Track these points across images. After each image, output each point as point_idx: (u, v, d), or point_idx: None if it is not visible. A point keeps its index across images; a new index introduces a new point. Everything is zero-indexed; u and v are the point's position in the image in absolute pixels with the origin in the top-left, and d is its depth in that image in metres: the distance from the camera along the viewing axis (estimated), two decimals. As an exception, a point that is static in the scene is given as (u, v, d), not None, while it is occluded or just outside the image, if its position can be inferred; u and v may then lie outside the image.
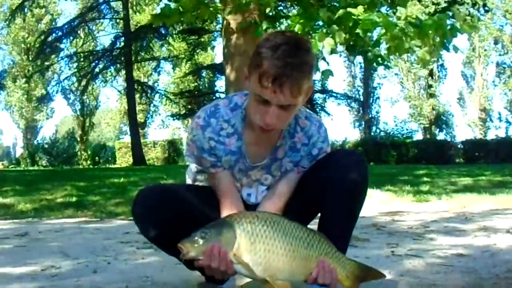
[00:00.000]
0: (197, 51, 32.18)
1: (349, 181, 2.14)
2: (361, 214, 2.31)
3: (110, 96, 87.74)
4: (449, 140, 36.72)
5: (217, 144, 2.18)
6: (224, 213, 2.17)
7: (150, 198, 2.18)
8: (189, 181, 2.48)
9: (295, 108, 2.03)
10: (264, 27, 8.59)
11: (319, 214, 2.30)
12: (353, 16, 7.63)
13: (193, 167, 2.42)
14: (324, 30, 7.85)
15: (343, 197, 2.15)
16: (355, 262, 2.08)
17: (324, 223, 2.21)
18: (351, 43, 9.03)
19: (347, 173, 2.14)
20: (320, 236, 1.99)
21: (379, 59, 9.54)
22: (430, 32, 7.83)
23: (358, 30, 7.76)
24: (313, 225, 2.22)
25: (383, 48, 9.42)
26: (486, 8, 12.63)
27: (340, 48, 9.49)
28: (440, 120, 41.82)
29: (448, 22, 8.05)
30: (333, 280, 1.96)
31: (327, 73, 8.15)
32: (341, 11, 7.67)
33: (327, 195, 2.17)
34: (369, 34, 8.91)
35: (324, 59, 8.75)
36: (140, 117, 35.90)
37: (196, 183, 2.43)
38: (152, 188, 2.33)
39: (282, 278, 1.89)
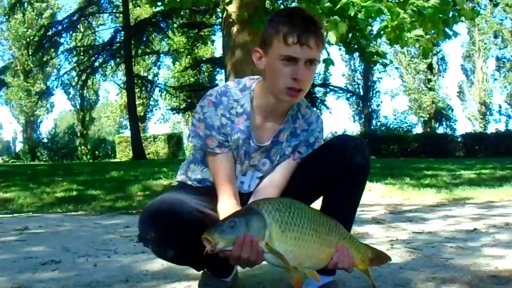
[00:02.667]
0: (197, 45, 32.14)
1: (354, 164, 2.18)
2: (361, 207, 2.33)
3: (110, 90, 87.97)
4: (449, 133, 36.72)
5: (228, 122, 2.19)
6: (224, 200, 2.16)
7: (161, 221, 2.05)
8: (180, 175, 2.45)
9: (315, 68, 2.13)
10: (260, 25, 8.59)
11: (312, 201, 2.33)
12: (354, 6, 7.60)
13: (190, 153, 2.41)
14: (325, 22, 7.80)
15: (349, 179, 2.20)
16: (368, 246, 2.12)
17: (329, 205, 2.25)
18: (348, 39, 9.01)
19: (351, 156, 2.18)
20: (335, 221, 2.01)
21: (376, 56, 9.54)
22: (435, 18, 7.80)
23: (360, 17, 7.71)
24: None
25: (383, 40, 9.41)
26: (494, 2, 12.60)
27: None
28: (439, 113, 41.80)
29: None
30: (350, 264, 2.00)
31: (328, 62, 8.17)
32: (343, 1, 7.65)
33: (332, 178, 2.20)
34: (368, 28, 8.89)
35: (325, 48, 8.75)
36: (139, 111, 35.86)
37: (188, 174, 2.39)
38: (159, 209, 2.11)
39: (309, 265, 1.89)
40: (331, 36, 7.53)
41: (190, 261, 2.27)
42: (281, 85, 2.08)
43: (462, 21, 8.25)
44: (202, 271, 2.42)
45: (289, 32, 2.02)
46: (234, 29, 9.17)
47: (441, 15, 7.78)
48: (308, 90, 2.19)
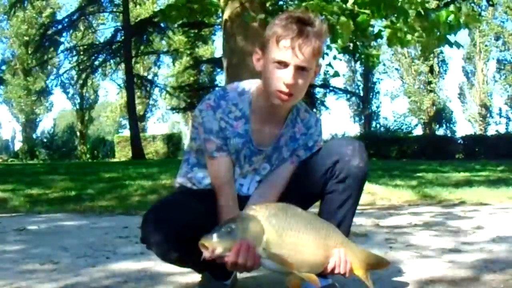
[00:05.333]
0: (197, 44, 32.15)
1: (352, 168, 2.20)
2: (360, 209, 2.34)
3: (109, 90, 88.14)
4: (449, 135, 36.76)
5: (227, 125, 2.18)
6: (222, 203, 2.16)
7: (162, 225, 2.07)
8: (181, 178, 2.43)
9: (309, 75, 2.10)
10: (262, 17, 8.61)
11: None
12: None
13: (192, 157, 2.38)
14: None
15: (347, 182, 2.21)
16: (365, 251, 2.11)
17: (328, 208, 2.26)
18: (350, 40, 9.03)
19: (349, 161, 2.20)
20: (333, 226, 2.01)
21: (371, 58, 9.59)
22: (444, 23, 7.79)
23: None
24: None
25: (384, 40, 9.42)
26: (490, 2, 12.59)
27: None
28: (440, 115, 41.85)
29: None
30: (347, 269, 1.98)
31: (335, 74, 8.36)
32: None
33: (330, 182, 2.22)
34: (370, 28, 8.88)
35: (329, 64, 8.88)
36: (139, 110, 35.87)
37: (189, 175, 2.38)
38: (161, 212, 2.13)
39: (306, 270, 1.88)
40: (344, 36, 7.55)
41: (193, 264, 2.28)
42: (272, 88, 2.09)
43: (468, 28, 8.24)
44: (202, 273, 2.42)
45: (283, 35, 2.02)
46: (234, 30, 9.18)
47: (450, 21, 7.77)
48: (303, 95, 2.18)
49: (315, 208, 2.32)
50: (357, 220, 2.34)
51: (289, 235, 1.84)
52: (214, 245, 1.78)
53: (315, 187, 2.26)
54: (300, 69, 2.04)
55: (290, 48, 2.00)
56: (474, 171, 11.92)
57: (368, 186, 7.48)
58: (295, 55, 2.01)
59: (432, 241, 3.78)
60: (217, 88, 2.37)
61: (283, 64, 2.03)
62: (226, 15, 9.40)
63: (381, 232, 4.35)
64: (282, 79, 2.04)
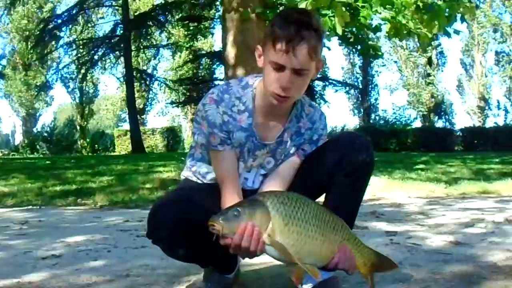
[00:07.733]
0: (197, 37, 32.06)
1: (358, 162, 2.20)
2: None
3: (109, 84, 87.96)
4: (448, 127, 36.69)
5: (230, 119, 2.18)
6: (227, 197, 2.15)
7: (169, 222, 2.06)
8: (186, 171, 2.44)
9: (308, 76, 2.08)
10: (260, 10, 8.61)
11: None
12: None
13: (197, 152, 2.39)
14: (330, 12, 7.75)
15: (353, 176, 2.21)
16: (373, 250, 2.09)
17: (333, 201, 2.25)
18: (348, 32, 9.02)
19: (355, 154, 2.20)
20: (342, 221, 2.00)
21: (371, 50, 9.58)
22: (441, 14, 7.75)
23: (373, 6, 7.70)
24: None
25: (383, 32, 9.41)
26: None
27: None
28: (438, 107, 41.77)
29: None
30: (351, 266, 1.98)
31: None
32: None
33: (336, 174, 2.21)
34: (368, 21, 8.88)
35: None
36: (139, 103, 35.82)
37: (194, 170, 2.39)
38: (168, 209, 2.10)
39: (310, 261, 1.88)
40: (337, 26, 7.49)
41: (198, 259, 2.29)
42: (269, 89, 2.08)
43: (464, 19, 8.23)
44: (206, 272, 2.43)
45: (279, 37, 1.98)
46: (233, 23, 9.15)
47: (448, 13, 7.75)
48: (302, 93, 2.17)
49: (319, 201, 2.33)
50: (358, 212, 2.34)
51: (295, 224, 1.84)
52: (219, 226, 1.79)
53: (321, 180, 2.26)
54: (297, 72, 2.02)
55: (286, 51, 1.98)
56: (477, 163, 11.92)
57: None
58: (291, 58, 1.99)
59: (432, 234, 3.79)
60: (220, 83, 2.37)
61: (280, 67, 2.02)
62: (225, 8, 9.37)
63: (382, 224, 4.36)
64: (279, 82, 2.03)
